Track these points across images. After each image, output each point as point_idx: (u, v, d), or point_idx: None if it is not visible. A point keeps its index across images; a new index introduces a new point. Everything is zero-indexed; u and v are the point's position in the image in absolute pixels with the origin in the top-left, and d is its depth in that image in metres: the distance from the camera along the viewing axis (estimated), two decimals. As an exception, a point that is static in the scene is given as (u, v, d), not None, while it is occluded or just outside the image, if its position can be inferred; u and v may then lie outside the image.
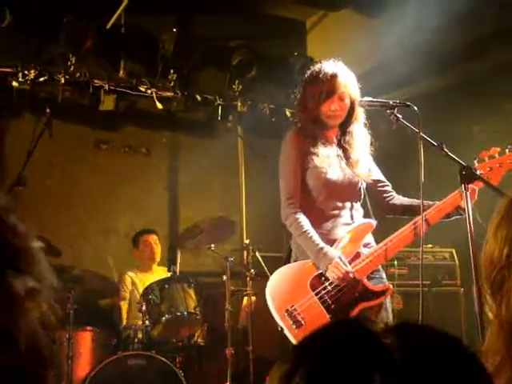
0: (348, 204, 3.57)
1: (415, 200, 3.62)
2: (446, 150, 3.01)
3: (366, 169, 3.64)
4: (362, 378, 0.67)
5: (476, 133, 6.55)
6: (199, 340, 5.71)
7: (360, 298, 3.40)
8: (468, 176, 2.90)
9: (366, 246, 3.54)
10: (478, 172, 3.21)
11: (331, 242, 3.46)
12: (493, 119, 6.35)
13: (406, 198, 3.73)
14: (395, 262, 5.86)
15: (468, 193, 2.85)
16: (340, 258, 3.34)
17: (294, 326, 3.32)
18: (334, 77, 3.46)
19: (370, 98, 3.41)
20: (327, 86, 3.45)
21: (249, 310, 5.72)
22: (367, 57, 6.25)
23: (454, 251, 6.07)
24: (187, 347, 5.67)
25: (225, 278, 5.52)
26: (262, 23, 7.25)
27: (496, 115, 6.35)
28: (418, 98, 3.24)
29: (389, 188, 3.75)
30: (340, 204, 3.55)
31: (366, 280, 3.42)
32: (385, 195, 3.73)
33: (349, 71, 3.54)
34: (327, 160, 3.50)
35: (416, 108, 3.10)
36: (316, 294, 3.35)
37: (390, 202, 3.72)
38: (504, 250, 1.05)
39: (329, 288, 3.35)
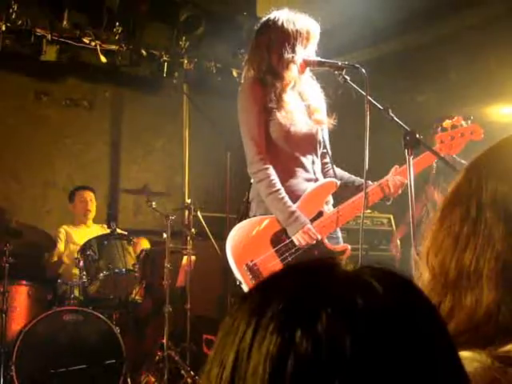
0: (310, 157, 3.50)
1: (348, 176, 3.61)
2: (391, 114, 3.01)
3: (325, 115, 3.57)
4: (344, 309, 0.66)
5: (420, 101, 6.64)
6: (137, 297, 5.69)
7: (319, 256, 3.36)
8: (411, 142, 2.91)
9: (326, 204, 3.46)
10: (436, 145, 3.25)
11: (296, 197, 3.38)
12: (437, 88, 6.44)
13: (341, 172, 3.67)
14: (335, 226, 5.94)
15: (411, 158, 2.87)
16: (310, 224, 3.27)
17: (254, 281, 3.25)
18: (310, 28, 3.42)
19: (319, 58, 3.37)
20: (306, 36, 3.39)
21: (188, 269, 5.72)
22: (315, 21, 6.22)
23: (391, 217, 6.18)
24: (124, 304, 5.64)
25: (165, 236, 5.49)
26: (212, -21, 7.11)
27: (440, 84, 6.43)
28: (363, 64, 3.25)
29: (328, 159, 3.66)
30: (303, 158, 3.46)
31: (326, 240, 3.39)
32: (324, 167, 3.65)
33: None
34: (290, 111, 3.39)
35: (364, 71, 3.08)
36: (276, 251, 3.31)
37: (327, 173, 3.63)
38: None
39: (289, 245, 3.30)
